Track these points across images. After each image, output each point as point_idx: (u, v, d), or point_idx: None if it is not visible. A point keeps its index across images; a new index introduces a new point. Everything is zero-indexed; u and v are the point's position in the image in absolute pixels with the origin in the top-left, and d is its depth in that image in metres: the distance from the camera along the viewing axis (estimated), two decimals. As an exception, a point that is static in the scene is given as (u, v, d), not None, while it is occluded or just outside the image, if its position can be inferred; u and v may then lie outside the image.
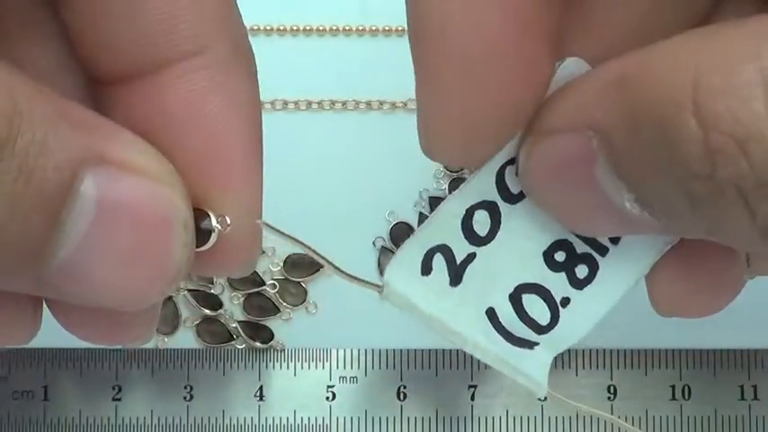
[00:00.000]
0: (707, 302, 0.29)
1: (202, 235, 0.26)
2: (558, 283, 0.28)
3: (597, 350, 0.49)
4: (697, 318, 0.29)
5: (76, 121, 0.24)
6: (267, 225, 0.26)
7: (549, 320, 0.29)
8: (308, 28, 0.51)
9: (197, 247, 0.26)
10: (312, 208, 0.49)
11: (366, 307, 0.49)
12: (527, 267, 0.28)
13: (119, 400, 0.49)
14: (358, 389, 0.49)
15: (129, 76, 0.26)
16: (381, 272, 0.50)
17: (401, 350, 0.49)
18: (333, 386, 0.49)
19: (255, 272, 0.50)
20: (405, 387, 0.49)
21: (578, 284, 0.29)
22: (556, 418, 0.49)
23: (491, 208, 0.28)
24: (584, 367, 0.49)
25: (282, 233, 0.26)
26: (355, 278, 0.27)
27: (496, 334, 0.28)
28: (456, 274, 0.28)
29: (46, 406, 0.49)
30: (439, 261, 0.28)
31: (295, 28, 0.51)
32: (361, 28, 0.51)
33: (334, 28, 0.51)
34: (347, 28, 0.51)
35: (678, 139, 0.22)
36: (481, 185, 0.28)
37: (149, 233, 0.25)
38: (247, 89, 0.27)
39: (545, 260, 0.28)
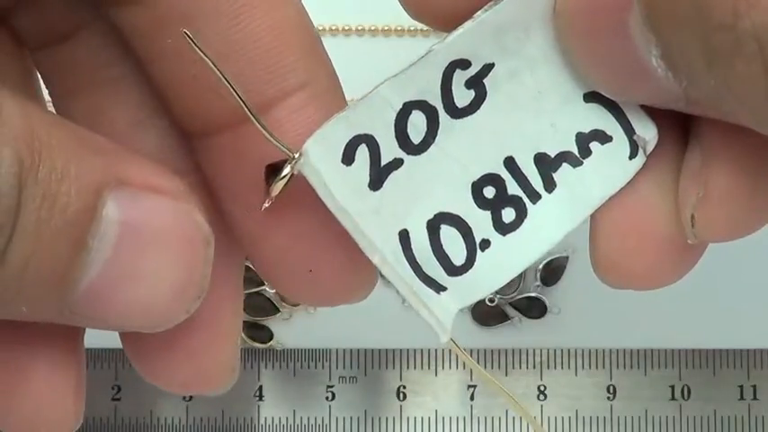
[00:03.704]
0: (658, 267, 0.27)
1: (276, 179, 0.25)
2: (481, 222, 0.27)
3: (597, 350, 0.49)
4: (646, 289, 0.28)
5: (94, 147, 0.24)
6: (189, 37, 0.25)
7: (463, 261, 0.27)
8: (307, 28, 0.51)
9: (273, 191, 0.25)
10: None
11: (365, 307, 0.49)
12: (453, 195, 0.27)
13: (118, 400, 0.49)
14: (357, 389, 0.49)
15: (231, 123, 0.26)
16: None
17: (401, 350, 0.49)
18: (332, 386, 0.49)
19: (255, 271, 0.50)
20: (404, 387, 0.49)
21: (502, 229, 0.27)
22: (555, 418, 0.49)
23: (431, 114, 0.26)
24: (583, 367, 0.49)
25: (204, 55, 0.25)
26: (270, 134, 0.25)
27: (405, 262, 0.26)
28: (378, 176, 0.26)
29: (45, 406, 0.49)
30: (363, 154, 0.26)
31: (295, 28, 0.51)
32: (360, 28, 0.51)
33: (334, 28, 0.51)
34: (347, 28, 0.51)
35: None
36: (424, 78, 0.26)
37: (172, 251, 0.24)
38: None
39: (473, 192, 0.27)
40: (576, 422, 0.49)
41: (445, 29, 0.27)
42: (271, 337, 0.50)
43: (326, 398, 0.49)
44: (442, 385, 0.49)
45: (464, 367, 0.49)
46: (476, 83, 0.26)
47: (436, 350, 0.49)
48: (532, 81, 0.27)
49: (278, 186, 0.25)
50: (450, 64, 0.26)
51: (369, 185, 0.26)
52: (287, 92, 0.26)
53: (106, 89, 0.27)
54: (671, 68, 0.24)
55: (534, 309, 0.50)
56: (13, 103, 0.22)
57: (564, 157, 0.27)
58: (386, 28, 0.51)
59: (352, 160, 0.25)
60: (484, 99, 0.27)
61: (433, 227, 0.26)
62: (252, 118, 0.25)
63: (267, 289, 0.50)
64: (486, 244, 0.27)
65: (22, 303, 0.23)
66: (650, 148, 0.27)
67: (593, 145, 0.27)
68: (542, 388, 0.49)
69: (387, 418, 0.49)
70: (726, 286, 0.49)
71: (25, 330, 0.26)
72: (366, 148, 0.26)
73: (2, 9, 0.27)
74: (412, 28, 0.50)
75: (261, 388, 0.49)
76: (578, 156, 0.27)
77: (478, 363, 0.49)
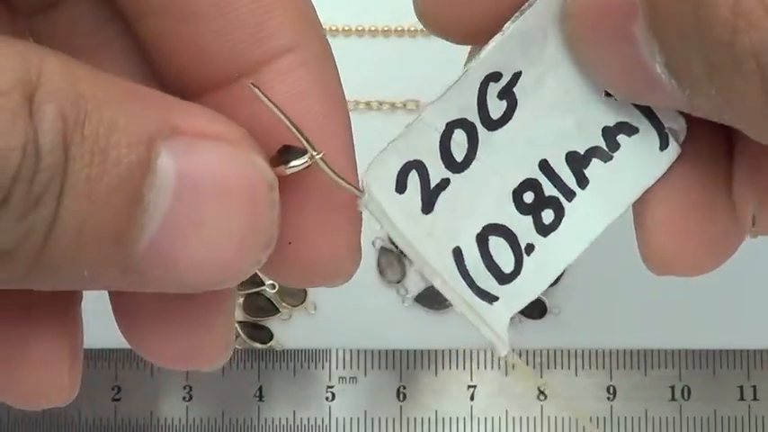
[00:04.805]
0: (703, 258, 0.28)
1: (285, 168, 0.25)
2: (524, 228, 0.27)
3: (597, 350, 0.49)
4: (690, 276, 0.28)
5: (142, 98, 0.23)
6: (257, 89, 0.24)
7: (512, 268, 0.27)
8: (307, 28, 0.51)
9: (279, 172, 0.24)
10: (312, 208, 0.49)
11: (365, 307, 0.49)
12: (497, 206, 0.27)
13: (118, 400, 0.49)
14: (357, 389, 0.49)
15: (218, 83, 0.25)
16: (381, 272, 0.50)
17: (401, 350, 0.49)
18: (332, 386, 0.49)
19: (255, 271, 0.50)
20: (404, 387, 0.49)
21: (543, 231, 0.27)
22: (555, 418, 0.49)
23: (470, 131, 0.27)
24: (583, 367, 0.49)
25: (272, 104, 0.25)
26: (337, 175, 0.25)
27: (460, 279, 0.27)
28: (429, 200, 0.26)
29: (45, 406, 0.49)
30: (414, 180, 0.26)
31: (295, 28, 0.51)
32: (360, 28, 0.51)
33: (334, 28, 0.51)
34: (347, 28, 0.51)
35: (709, 1, 0.22)
36: (463, 97, 0.26)
37: (234, 199, 0.23)
38: (339, 86, 0.26)
39: (514, 200, 0.27)
40: (575, 422, 0.49)
41: (461, 43, 0.27)
42: (271, 337, 0.50)
43: (326, 398, 0.49)
44: (442, 385, 0.49)
45: (464, 367, 0.49)
46: (507, 92, 0.27)
47: (436, 350, 0.49)
48: (556, 82, 0.27)
49: (285, 171, 0.25)
50: (484, 78, 0.26)
51: (421, 210, 0.26)
52: (274, 54, 0.25)
53: (97, 55, 0.27)
54: (674, 76, 0.24)
55: (534, 309, 0.50)
56: (53, 59, 0.21)
57: (593, 152, 0.28)
58: (386, 28, 0.51)
59: (405, 188, 0.26)
60: (515, 108, 0.27)
61: (483, 239, 0.27)
62: (323, 165, 0.25)
63: (267, 289, 0.50)
64: (530, 248, 0.28)
65: (83, 267, 0.22)
66: (682, 137, 0.27)
67: (621, 138, 0.28)
68: (542, 388, 0.49)
69: (387, 419, 0.49)
70: (726, 286, 0.49)
71: (21, 300, 0.25)
72: (416, 174, 0.26)
73: None
74: (412, 28, 0.50)
75: (261, 388, 0.49)
76: (607, 150, 0.28)
77: (478, 363, 0.49)
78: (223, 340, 0.27)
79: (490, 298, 0.27)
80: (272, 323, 0.50)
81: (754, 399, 0.49)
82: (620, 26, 0.24)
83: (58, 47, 0.26)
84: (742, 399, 0.49)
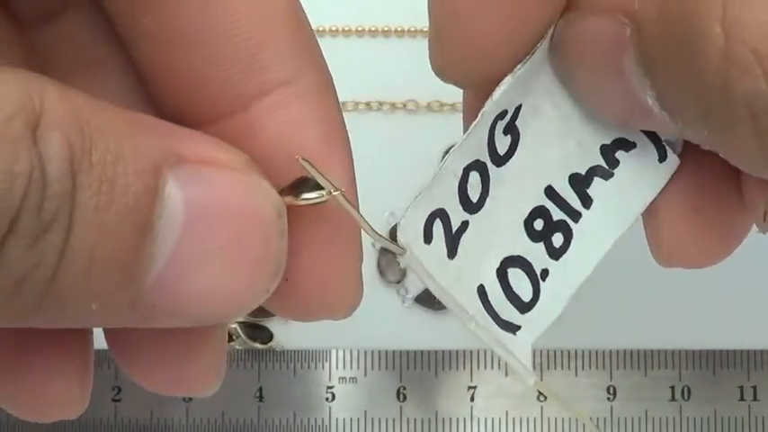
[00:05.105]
0: (711, 250, 0.28)
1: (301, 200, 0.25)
2: (537, 255, 0.28)
3: (597, 350, 0.49)
4: (697, 267, 0.29)
5: (146, 126, 0.22)
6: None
7: (531, 296, 0.28)
8: (307, 28, 0.51)
9: (289, 200, 0.24)
10: (312, 208, 0.49)
11: (365, 307, 0.49)
12: (511, 238, 0.28)
13: (118, 401, 0.49)
14: (357, 389, 0.49)
15: (213, 116, 0.25)
16: (381, 272, 0.50)
17: (401, 351, 0.49)
18: (332, 387, 0.49)
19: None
20: (404, 388, 0.49)
21: (555, 255, 0.28)
22: (555, 419, 0.49)
23: (482, 170, 0.27)
24: (583, 368, 0.49)
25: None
26: (382, 237, 0.25)
27: (487, 316, 0.27)
28: (452, 245, 0.27)
29: (45, 407, 0.49)
30: (438, 229, 0.27)
31: (295, 28, 0.51)
32: (360, 28, 0.51)
33: (334, 29, 0.51)
34: (347, 29, 0.51)
35: (701, 46, 0.22)
36: (477, 140, 0.27)
37: (244, 226, 0.23)
38: (339, 117, 0.26)
39: (526, 229, 0.28)
40: (575, 423, 0.49)
41: (474, 90, 0.27)
42: (271, 337, 0.50)
43: (326, 399, 0.49)
44: (443, 386, 0.49)
45: (464, 368, 0.49)
46: (511, 127, 0.27)
47: (436, 351, 0.49)
48: (551, 107, 0.27)
49: (296, 201, 0.24)
50: (494, 119, 0.27)
51: (447, 256, 0.27)
52: (266, 89, 0.25)
53: (94, 73, 0.26)
54: (666, 110, 0.24)
55: (534, 309, 0.50)
56: (53, 88, 0.21)
57: (594, 171, 0.28)
58: (386, 28, 0.51)
59: (431, 237, 0.27)
60: (518, 141, 0.27)
61: (502, 273, 0.28)
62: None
63: (267, 289, 0.50)
64: (545, 273, 0.28)
65: (92, 300, 0.22)
66: (679, 148, 0.28)
67: (619, 154, 0.28)
68: (541, 390, 0.49)
69: (387, 420, 0.49)
70: (726, 286, 0.49)
71: None
72: (440, 222, 0.27)
73: None
74: (412, 28, 0.50)
75: (260, 389, 0.49)
76: (607, 167, 0.28)
77: (478, 364, 0.49)
78: (215, 367, 0.27)
79: (513, 328, 0.28)
80: (272, 323, 0.50)
81: (754, 399, 0.49)
82: (609, 58, 0.24)
83: (58, 59, 0.26)
84: (742, 399, 0.49)
